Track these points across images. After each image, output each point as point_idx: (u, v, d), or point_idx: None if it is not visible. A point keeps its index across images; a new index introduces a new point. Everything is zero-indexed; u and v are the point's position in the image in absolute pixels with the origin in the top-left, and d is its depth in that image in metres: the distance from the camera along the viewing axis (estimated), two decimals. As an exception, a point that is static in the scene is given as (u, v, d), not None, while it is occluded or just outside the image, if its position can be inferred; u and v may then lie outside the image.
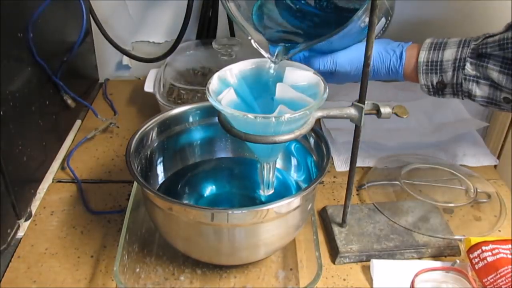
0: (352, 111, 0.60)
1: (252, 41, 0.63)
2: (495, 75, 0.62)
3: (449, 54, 0.65)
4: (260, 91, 0.60)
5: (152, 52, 1.06)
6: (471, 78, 0.64)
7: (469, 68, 0.64)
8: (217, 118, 0.59)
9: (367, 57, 0.57)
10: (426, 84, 0.67)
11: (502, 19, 0.69)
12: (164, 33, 1.09)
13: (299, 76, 0.59)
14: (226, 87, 0.58)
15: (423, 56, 0.66)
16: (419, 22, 1.02)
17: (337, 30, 0.61)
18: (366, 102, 0.59)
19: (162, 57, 1.00)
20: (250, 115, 0.53)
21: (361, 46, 0.68)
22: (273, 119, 0.52)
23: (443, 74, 0.66)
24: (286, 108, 0.53)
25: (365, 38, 0.56)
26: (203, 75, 0.95)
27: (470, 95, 0.65)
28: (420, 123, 0.95)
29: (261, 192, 0.64)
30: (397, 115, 0.61)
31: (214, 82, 0.58)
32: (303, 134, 0.56)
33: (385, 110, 0.60)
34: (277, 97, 0.57)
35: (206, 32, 1.05)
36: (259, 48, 0.62)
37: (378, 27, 0.67)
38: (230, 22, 1.06)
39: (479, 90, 0.64)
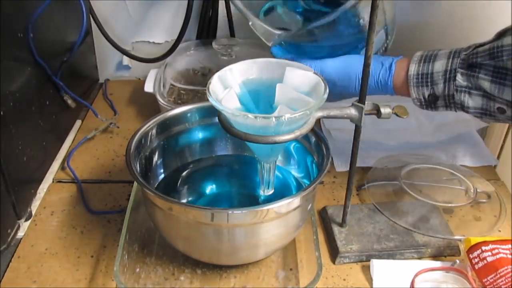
0: (352, 111, 0.60)
1: (251, 23, 0.66)
2: (486, 85, 0.60)
3: (439, 65, 0.63)
4: (260, 91, 0.60)
5: (152, 52, 1.06)
6: (463, 89, 0.62)
7: (460, 79, 0.62)
8: (217, 118, 0.59)
9: (367, 57, 0.57)
10: (418, 97, 0.65)
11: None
12: (164, 33, 1.09)
13: (299, 76, 0.59)
14: (226, 87, 0.58)
15: (413, 69, 0.64)
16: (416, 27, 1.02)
17: (327, 16, 0.61)
18: (366, 102, 0.59)
19: (162, 57, 1.00)
20: (250, 115, 0.53)
21: (350, 57, 0.67)
22: (273, 119, 0.52)
23: (434, 86, 0.64)
24: (286, 108, 0.53)
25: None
26: (203, 75, 0.95)
27: (463, 107, 0.63)
28: (420, 123, 0.95)
29: (261, 192, 0.64)
30: (397, 115, 0.61)
31: (214, 82, 0.58)
32: (303, 134, 0.56)
33: (385, 110, 0.60)
34: (277, 97, 0.57)
35: (206, 32, 1.05)
36: (256, 31, 0.67)
37: (377, 41, 0.66)
38: (230, 22, 1.06)
39: (472, 101, 0.62)
